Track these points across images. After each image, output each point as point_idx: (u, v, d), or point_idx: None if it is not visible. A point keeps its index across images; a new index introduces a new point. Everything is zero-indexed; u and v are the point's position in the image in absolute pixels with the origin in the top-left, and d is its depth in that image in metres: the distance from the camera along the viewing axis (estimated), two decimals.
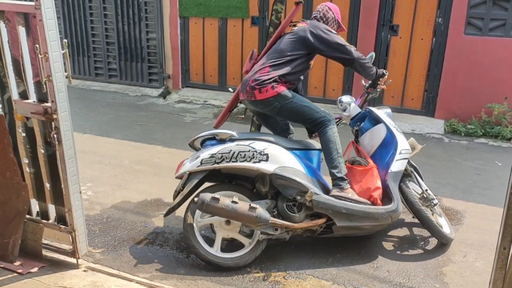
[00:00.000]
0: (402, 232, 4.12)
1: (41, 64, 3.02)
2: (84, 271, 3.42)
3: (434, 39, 6.82)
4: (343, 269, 3.58)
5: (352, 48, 3.72)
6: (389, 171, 3.71)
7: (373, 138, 3.97)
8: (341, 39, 3.74)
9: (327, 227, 3.60)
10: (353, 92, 7.34)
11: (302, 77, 4.05)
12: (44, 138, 3.30)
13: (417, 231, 4.14)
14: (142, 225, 4.16)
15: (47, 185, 3.44)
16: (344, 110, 4.11)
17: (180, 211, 4.38)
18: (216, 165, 3.39)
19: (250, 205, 3.30)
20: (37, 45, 2.99)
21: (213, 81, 8.38)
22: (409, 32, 6.90)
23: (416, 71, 7.02)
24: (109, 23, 8.73)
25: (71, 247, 3.49)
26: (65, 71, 3.12)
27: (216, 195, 3.30)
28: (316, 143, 3.83)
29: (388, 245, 3.91)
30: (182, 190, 3.47)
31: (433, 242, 3.97)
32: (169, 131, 6.61)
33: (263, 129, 4.24)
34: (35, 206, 3.58)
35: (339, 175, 3.62)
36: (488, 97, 6.61)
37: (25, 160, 3.45)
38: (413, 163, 4.05)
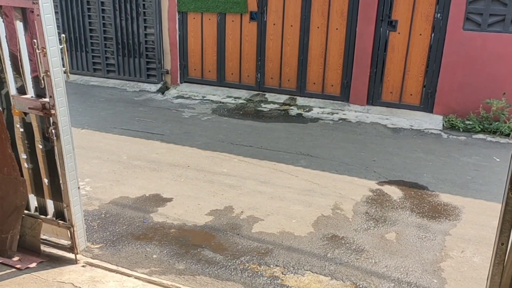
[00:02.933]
0: (401, 228, 4.13)
1: (39, 59, 3.01)
2: (83, 266, 3.42)
3: (432, 35, 6.81)
4: (341, 264, 3.59)
5: None
6: None
7: None
8: None
9: None
10: (352, 89, 7.34)
11: None
12: (42, 133, 3.30)
13: (415, 227, 4.15)
14: (140, 220, 4.16)
15: (46, 181, 3.44)
16: None
17: (178, 207, 4.38)
18: None
19: None
20: (35, 40, 2.98)
21: (211, 76, 8.36)
22: (407, 28, 6.89)
23: (414, 67, 7.01)
24: (107, 18, 8.70)
25: (69, 242, 3.49)
26: (63, 66, 3.11)
27: None
28: None
29: (386, 241, 3.92)
30: None
31: (431, 238, 3.98)
32: (167, 126, 6.61)
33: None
34: (33, 201, 3.58)
35: None
36: (486, 93, 6.61)
37: (23, 156, 3.44)
38: None
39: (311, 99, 7.61)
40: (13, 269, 3.32)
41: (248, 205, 4.44)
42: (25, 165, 3.47)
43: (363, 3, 6.97)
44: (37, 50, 2.99)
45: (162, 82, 8.54)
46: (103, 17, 8.70)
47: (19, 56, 3.16)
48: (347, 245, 3.85)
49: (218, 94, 7.99)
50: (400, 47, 7.00)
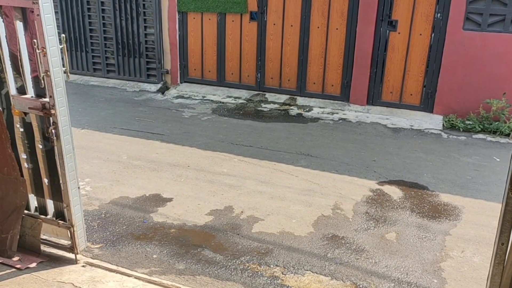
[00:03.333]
0: (401, 228, 4.13)
1: (39, 59, 3.01)
2: (83, 266, 3.42)
3: (433, 35, 6.81)
4: (341, 264, 3.59)
5: None
6: None
7: None
8: None
9: None
10: (352, 89, 7.34)
11: None
12: (42, 133, 3.30)
13: (415, 227, 4.15)
14: (140, 220, 4.16)
15: (45, 181, 3.43)
16: None
17: (178, 207, 4.39)
18: None
19: None
20: (35, 40, 2.98)
21: (211, 76, 8.36)
22: (408, 28, 6.89)
23: (414, 67, 7.01)
24: (107, 18, 8.70)
25: (69, 242, 3.49)
26: (63, 66, 3.11)
27: None
28: None
29: (386, 241, 3.92)
30: None
31: (431, 238, 3.98)
32: (167, 126, 6.61)
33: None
34: (33, 201, 3.58)
35: None
36: (486, 93, 6.61)
37: (23, 156, 3.44)
38: None
39: (311, 99, 7.60)
40: (13, 269, 3.32)
41: (248, 205, 4.44)
42: (25, 165, 3.47)
43: (363, 3, 6.97)
44: (37, 50, 2.99)
45: (162, 82, 8.54)
46: (103, 17, 8.70)
47: (19, 56, 3.16)
48: (347, 245, 3.85)
49: (218, 94, 7.99)
50: (400, 47, 7.00)
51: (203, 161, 5.43)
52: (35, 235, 3.49)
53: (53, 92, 3.06)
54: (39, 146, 3.34)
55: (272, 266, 3.55)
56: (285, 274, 3.45)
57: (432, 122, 6.80)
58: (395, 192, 4.76)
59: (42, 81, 3.06)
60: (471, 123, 6.58)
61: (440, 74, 6.86)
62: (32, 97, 3.23)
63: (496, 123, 6.47)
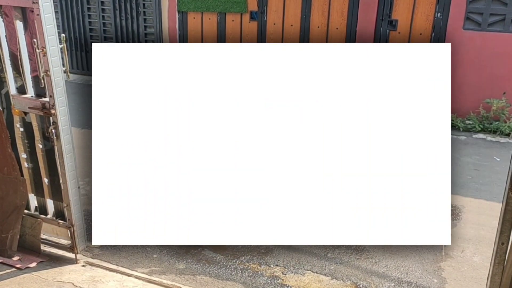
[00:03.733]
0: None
1: (39, 59, 3.01)
2: (83, 266, 3.42)
3: (433, 34, 6.81)
4: (341, 264, 3.59)
5: None
6: None
7: None
8: None
9: None
10: None
11: None
12: (42, 133, 3.30)
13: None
14: None
15: (45, 180, 3.43)
16: None
17: None
18: None
19: None
20: (35, 40, 2.98)
21: None
22: (408, 27, 6.89)
23: None
24: (107, 18, 8.69)
25: (69, 242, 3.49)
26: (63, 66, 3.11)
27: None
28: None
29: None
30: None
31: None
32: None
33: None
34: (33, 201, 3.58)
35: None
36: (486, 92, 6.61)
37: (23, 155, 3.44)
38: None
39: None
40: (13, 269, 3.32)
41: None
42: (25, 164, 3.47)
43: (363, 3, 6.97)
44: (37, 50, 2.98)
45: None
46: (103, 16, 8.70)
47: (19, 55, 3.16)
48: (347, 244, 3.84)
49: None
50: None
51: None
52: (35, 234, 3.49)
53: (53, 92, 3.07)
54: (39, 145, 3.34)
55: (272, 265, 3.55)
56: (285, 274, 3.45)
57: None
58: None
59: (42, 81, 3.06)
60: (471, 122, 6.58)
61: None
62: (32, 96, 3.23)
63: (496, 122, 6.47)
